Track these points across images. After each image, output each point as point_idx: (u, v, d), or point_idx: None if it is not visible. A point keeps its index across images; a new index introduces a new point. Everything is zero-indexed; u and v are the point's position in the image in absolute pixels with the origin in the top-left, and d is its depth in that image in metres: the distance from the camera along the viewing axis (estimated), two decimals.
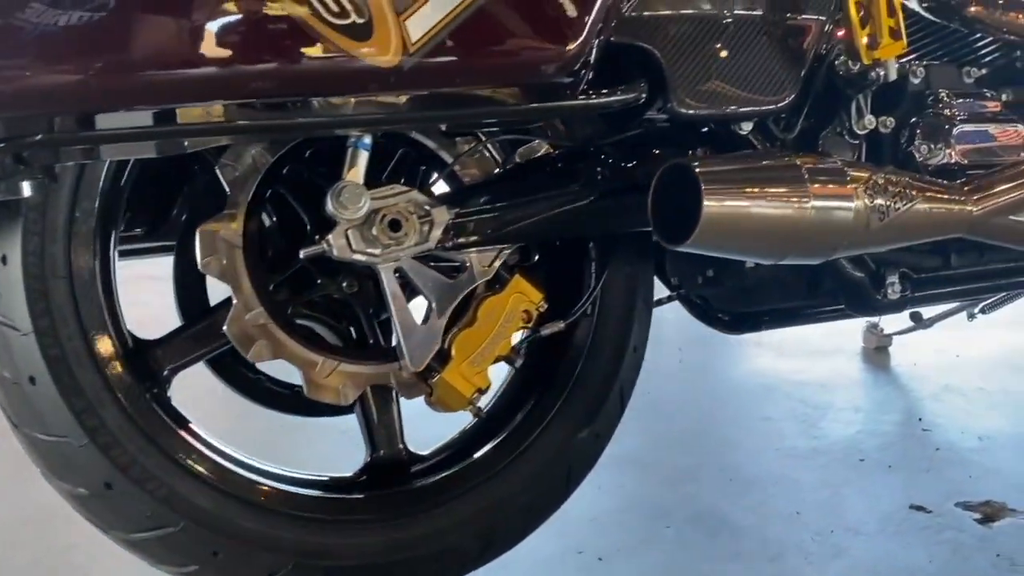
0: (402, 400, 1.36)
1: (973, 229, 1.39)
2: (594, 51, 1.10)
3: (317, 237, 1.22)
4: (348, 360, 1.30)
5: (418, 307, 1.30)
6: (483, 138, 1.34)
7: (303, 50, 0.96)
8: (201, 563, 1.23)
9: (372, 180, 1.23)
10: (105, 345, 1.23)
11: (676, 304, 1.55)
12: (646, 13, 1.26)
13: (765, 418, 2.12)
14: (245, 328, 1.25)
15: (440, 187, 1.35)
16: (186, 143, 1.12)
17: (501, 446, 1.39)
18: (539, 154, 1.35)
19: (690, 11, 1.29)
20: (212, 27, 0.95)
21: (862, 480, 1.79)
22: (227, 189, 1.26)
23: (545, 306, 1.34)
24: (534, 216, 1.29)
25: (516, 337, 1.35)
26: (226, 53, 0.95)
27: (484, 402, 1.37)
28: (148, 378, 1.28)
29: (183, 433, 1.28)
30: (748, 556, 1.53)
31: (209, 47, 0.95)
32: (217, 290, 1.32)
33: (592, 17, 1.06)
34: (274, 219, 1.34)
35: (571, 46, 1.05)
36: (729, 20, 1.31)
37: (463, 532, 1.35)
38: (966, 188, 1.39)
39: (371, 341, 1.35)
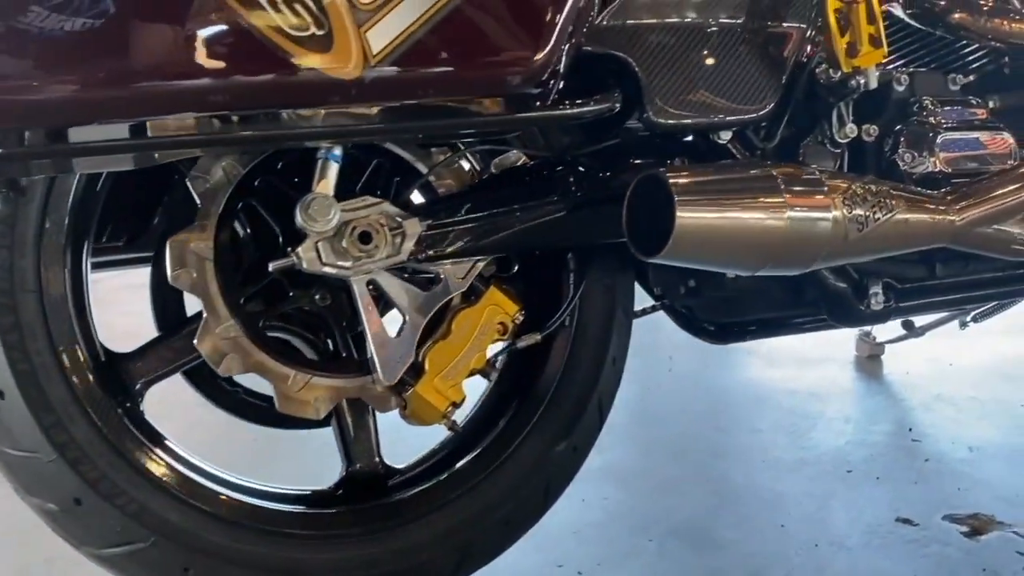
0: (379, 413, 1.35)
1: (956, 239, 1.37)
2: (563, 60, 1.09)
3: (289, 249, 1.21)
4: (320, 373, 1.28)
5: (394, 319, 1.28)
6: (459, 148, 1.32)
7: (264, 63, 0.95)
8: None
9: (346, 191, 1.22)
10: (75, 359, 1.22)
11: None
12: (620, 21, 1.24)
13: (754, 428, 2.10)
14: (215, 342, 1.24)
15: (417, 198, 1.34)
16: (156, 156, 1.12)
17: (478, 459, 1.38)
18: (515, 164, 1.33)
19: (666, 19, 1.27)
20: (171, 41, 0.94)
21: (849, 492, 1.77)
22: (198, 201, 1.25)
23: (521, 318, 1.33)
24: (509, 228, 1.27)
25: (493, 350, 1.33)
26: (185, 66, 0.94)
27: (462, 414, 1.36)
28: (120, 392, 1.27)
29: (155, 447, 1.27)
30: (729, 571, 1.51)
31: (168, 60, 0.94)
32: (194, 301, 1.31)
33: (559, 26, 1.04)
34: (247, 231, 1.33)
35: (537, 56, 1.04)
36: (706, 28, 1.29)
37: (439, 546, 1.33)
38: (948, 197, 1.37)
39: (344, 354, 1.34)
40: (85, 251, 1.27)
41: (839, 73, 1.33)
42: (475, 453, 1.38)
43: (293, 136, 1.07)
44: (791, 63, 1.34)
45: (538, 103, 1.11)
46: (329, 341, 1.36)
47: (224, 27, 0.93)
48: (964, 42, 1.55)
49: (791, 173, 1.22)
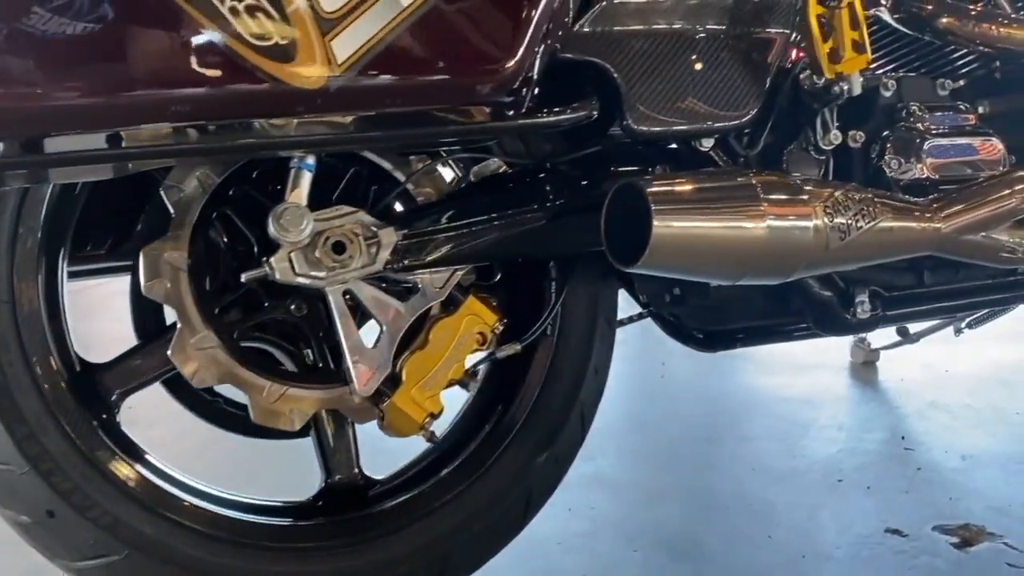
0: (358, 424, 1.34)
1: (942, 247, 1.35)
2: (535, 68, 1.07)
3: (264, 259, 1.19)
4: (296, 385, 1.27)
5: (372, 330, 1.27)
6: (438, 156, 1.31)
7: (227, 72, 0.93)
8: None
9: (322, 200, 1.21)
10: (48, 370, 1.21)
11: None
12: (599, 28, 1.23)
13: (746, 436, 2.08)
14: (190, 353, 1.23)
15: (395, 207, 1.33)
16: (130, 166, 1.11)
17: (459, 470, 1.37)
18: (494, 172, 1.32)
19: (645, 25, 1.26)
20: (135, 51, 0.93)
21: (839, 502, 1.75)
22: (171, 211, 1.24)
23: (501, 328, 1.31)
24: (486, 237, 1.26)
25: (472, 360, 1.32)
26: (149, 76, 0.93)
27: (442, 425, 1.34)
28: (95, 402, 1.26)
29: (130, 459, 1.26)
30: None
31: (132, 71, 0.93)
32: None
33: (529, 34, 1.03)
34: (223, 240, 1.31)
35: (508, 64, 1.02)
36: (687, 34, 1.28)
37: (420, 558, 1.32)
38: (934, 205, 1.35)
39: (322, 365, 1.33)
40: (61, 259, 1.27)
41: (822, 79, 1.31)
42: (456, 464, 1.37)
43: (262, 146, 1.06)
44: (774, 69, 1.33)
45: (511, 111, 1.09)
46: (307, 352, 1.35)
47: (187, 37, 0.92)
48: (952, 47, 1.53)
49: (771, 181, 1.21)
